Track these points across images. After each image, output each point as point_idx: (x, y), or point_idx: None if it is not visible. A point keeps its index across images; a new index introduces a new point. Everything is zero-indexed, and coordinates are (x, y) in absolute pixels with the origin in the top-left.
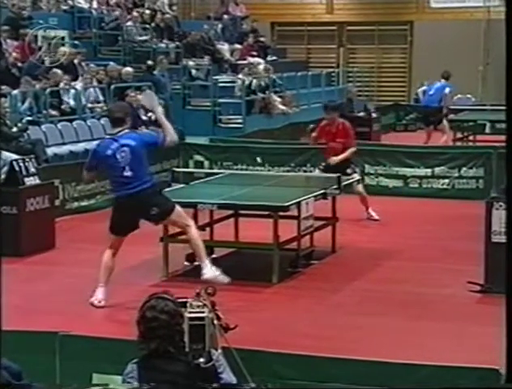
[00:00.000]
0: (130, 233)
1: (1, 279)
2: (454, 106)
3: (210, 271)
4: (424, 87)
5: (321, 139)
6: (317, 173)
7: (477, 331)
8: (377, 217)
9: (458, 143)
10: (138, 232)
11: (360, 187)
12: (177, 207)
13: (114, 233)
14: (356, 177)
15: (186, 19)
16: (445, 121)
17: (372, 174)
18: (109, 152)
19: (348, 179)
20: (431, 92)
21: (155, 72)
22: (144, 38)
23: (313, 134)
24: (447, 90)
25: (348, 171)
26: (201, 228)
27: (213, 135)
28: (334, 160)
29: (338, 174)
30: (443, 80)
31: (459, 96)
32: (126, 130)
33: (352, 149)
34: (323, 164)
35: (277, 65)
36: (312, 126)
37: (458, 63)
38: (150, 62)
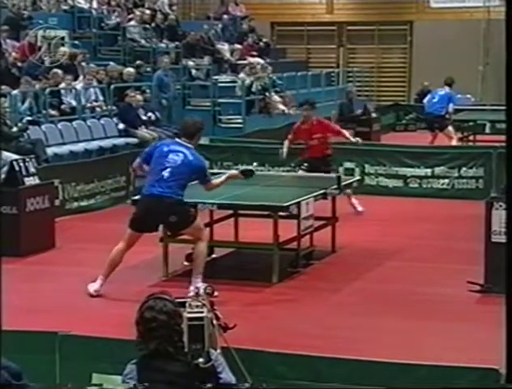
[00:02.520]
0: (150, 232)
1: (1, 279)
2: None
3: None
4: (429, 96)
5: (298, 140)
6: (300, 173)
7: (477, 331)
8: (360, 209)
9: (458, 143)
10: None
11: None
12: (197, 221)
13: (132, 228)
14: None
15: (186, 19)
16: (450, 127)
17: (372, 174)
18: (166, 149)
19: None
20: (435, 100)
21: (159, 72)
22: (144, 41)
23: (289, 137)
24: (451, 107)
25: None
26: None
27: (213, 135)
28: (359, 140)
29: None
30: (447, 87)
31: (459, 96)
32: (189, 144)
33: (345, 132)
34: (305, 164)
35: (277, 65)
36: (281, 150)
37: (457, 63)
38: (139, 62)
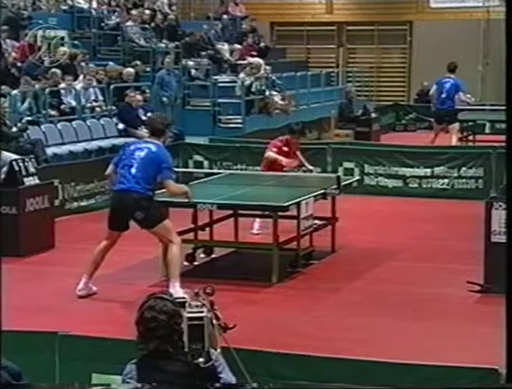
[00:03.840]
0: (121, 231)
1: (0, 279)
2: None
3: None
4: (434, 88)
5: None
6: None
7: (476, 331)
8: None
9: (458, 143)
10: (137, 232)
11: None
12: (166, 222)
13: (109, 227)
14: None
15: (186, 19)
16: (456, 125)
17: (371, 174)
18: (132, 147)
19: None
20: (443, 95)
21: (162, 70)
22: (143, 41)
23: (276, 151)
24: (461, 95)
25: None
26: (200, 228)
27: (213, 135)
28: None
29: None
30: (451, 74)
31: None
32: (157, 141)
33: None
34: None
35: (276, 65)
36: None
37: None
38: (135, 62)
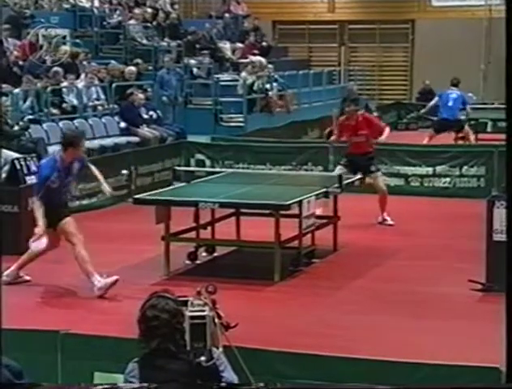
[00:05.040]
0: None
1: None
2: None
3: (99, 283)
4: (436, 99)
5: (342, 136)
6: (339, 168)
7: (478, 330)
8: (391, 222)
9: (460, 142)
10: (137, 231)
11: (381, 183)
12: (65, 225)
13: None
14: (379, 174)
15: (188, 17)
16: (467, 127)
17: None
18: None
19: (371, 176)
20: (450, 104)
21: (163, 70)
22: (145, 40)
23: (335, 134)
24: (468, 108)
25: (372, 168)
26: (202, 226)
27: (214, 134)
28: (382, 138)
29: (362, 172)
30: (454, 88)
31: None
32: (58, 154)
33: (387, 131)
34: (344, 159)
35: (278, 63)
36: (328, 129)
37: (459, 62)
38: (136, 61)
